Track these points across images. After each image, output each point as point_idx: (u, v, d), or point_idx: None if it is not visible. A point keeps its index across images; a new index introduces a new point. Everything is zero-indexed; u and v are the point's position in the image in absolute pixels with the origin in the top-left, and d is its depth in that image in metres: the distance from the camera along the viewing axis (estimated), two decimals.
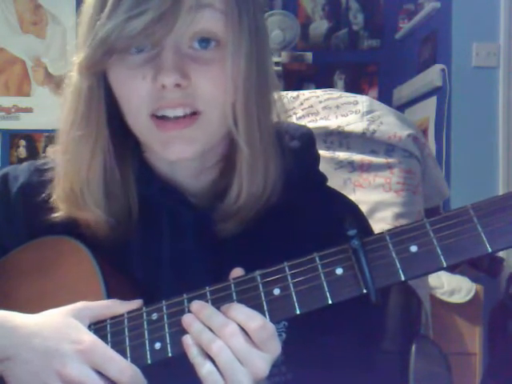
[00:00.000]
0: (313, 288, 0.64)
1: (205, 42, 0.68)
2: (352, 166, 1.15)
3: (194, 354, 0.63)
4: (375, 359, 0.78)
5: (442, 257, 0.61)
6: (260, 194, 0.75)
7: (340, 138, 1.16)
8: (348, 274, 0.63)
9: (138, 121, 0.71)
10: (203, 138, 0.71)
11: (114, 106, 0.73)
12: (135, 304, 0.69)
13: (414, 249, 0.62)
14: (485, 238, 0.60)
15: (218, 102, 0.69)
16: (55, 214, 0.77)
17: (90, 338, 0.65)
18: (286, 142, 0.79)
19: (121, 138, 0.76)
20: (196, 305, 0.65)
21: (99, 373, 0.64)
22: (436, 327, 1.52)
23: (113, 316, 0.69)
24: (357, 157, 1.14)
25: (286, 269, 0.65)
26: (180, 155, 0.71)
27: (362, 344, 0.76)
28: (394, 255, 0.62)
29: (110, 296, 0.71)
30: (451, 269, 1.94)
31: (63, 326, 0.66)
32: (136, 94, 0.69)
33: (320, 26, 3.39)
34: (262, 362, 0.62)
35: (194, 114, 0.69)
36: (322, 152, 1.15)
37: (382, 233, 0.64)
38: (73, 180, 0.75)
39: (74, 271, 0.75)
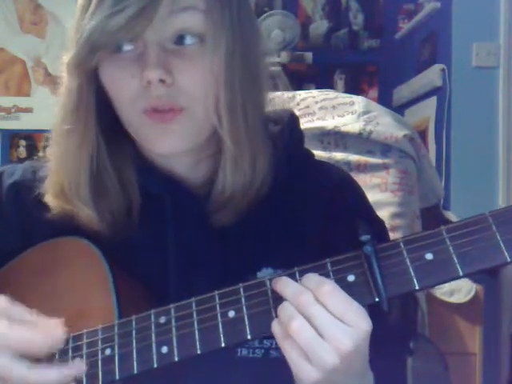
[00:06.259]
0: None
1: (183, 38, 0.70)
2: (349, 167, 1.15)
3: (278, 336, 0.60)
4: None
5: (458, 265, 0.58)
6: (248, 184, 0.76)
7: (337, 139, 1.16)
8: (360, 281, 0.61)
9: (130, 118, 0.74)
10: (190, 132, 0.73)
11: (109, 104, 0.75)
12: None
13: (429, 256, 0.59)
14: (503, 247, 0.57)
15: (200, 97, 0.71)
16: (51, 212, 0.77)
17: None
18: (271, 128, 0.81)
19: (120, 136, 0.77)
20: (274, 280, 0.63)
21: None
22: (436, 327, 1.52)
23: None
24: (353, 157, 1.15)
25: (297, 274, 0.63)
26: (168, 150, 0.73)
27: None
28: (408, 263, 0.59)
29: (119, 298, 0.71)
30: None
31: None
32: (126, 92, 0.71)
33: (320, 26, 3.40)
34: (344, 335, 0.58)
35: (179, 110, 0.71)
36: (318, 152, 1.16)
37: (397, 239, 0.61)
38: (61, 175, 0.76)
39: (84, 272, 0.75)
